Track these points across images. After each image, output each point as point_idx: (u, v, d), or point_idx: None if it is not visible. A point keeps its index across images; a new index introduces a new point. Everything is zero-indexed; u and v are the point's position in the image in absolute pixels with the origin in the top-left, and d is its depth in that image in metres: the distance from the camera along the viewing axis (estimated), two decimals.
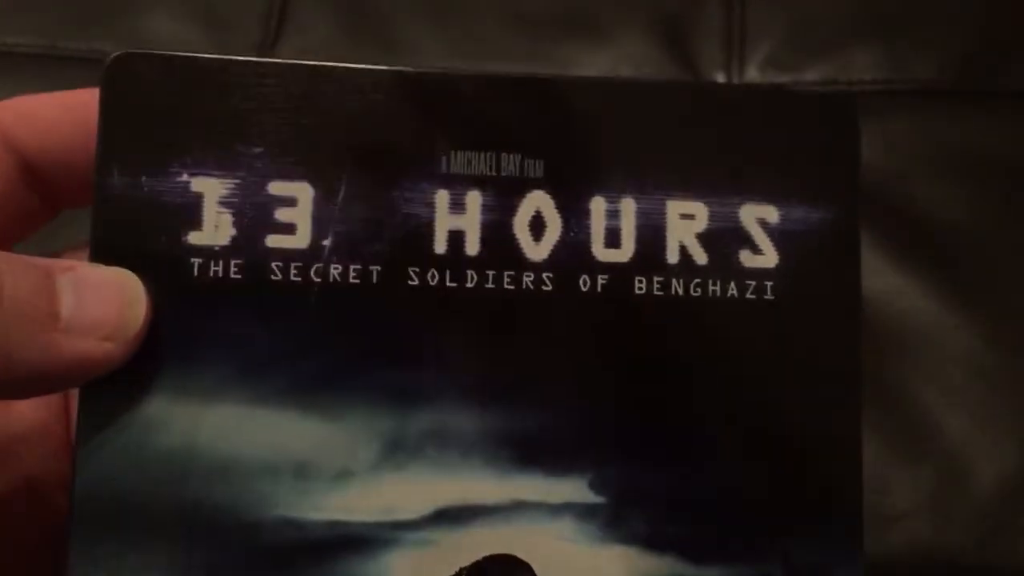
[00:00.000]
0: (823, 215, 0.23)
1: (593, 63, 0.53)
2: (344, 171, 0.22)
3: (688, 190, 0.22)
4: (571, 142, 0.22)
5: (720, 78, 0.54)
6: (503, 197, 0.22)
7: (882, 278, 0.48)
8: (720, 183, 0.22)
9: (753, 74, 0.55)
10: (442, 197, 0.22)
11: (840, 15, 0.54)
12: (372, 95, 0.22)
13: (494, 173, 0.22)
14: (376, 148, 0.22)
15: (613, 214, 0.22)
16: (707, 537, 0.22)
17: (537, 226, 0.22)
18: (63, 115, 0.22)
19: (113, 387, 0.21)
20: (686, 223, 0.22)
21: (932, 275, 0.48)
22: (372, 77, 0.22)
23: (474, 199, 0.22)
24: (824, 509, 0.22)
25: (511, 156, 0.22)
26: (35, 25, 0.49)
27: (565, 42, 0.54)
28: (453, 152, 0.22)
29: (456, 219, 0.22)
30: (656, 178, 0.22)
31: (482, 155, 0.22)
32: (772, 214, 0.23)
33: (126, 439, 0.21)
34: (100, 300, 0.20)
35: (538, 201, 0.22)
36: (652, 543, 0.22)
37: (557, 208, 0.22)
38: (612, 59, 0.53)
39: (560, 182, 0.22)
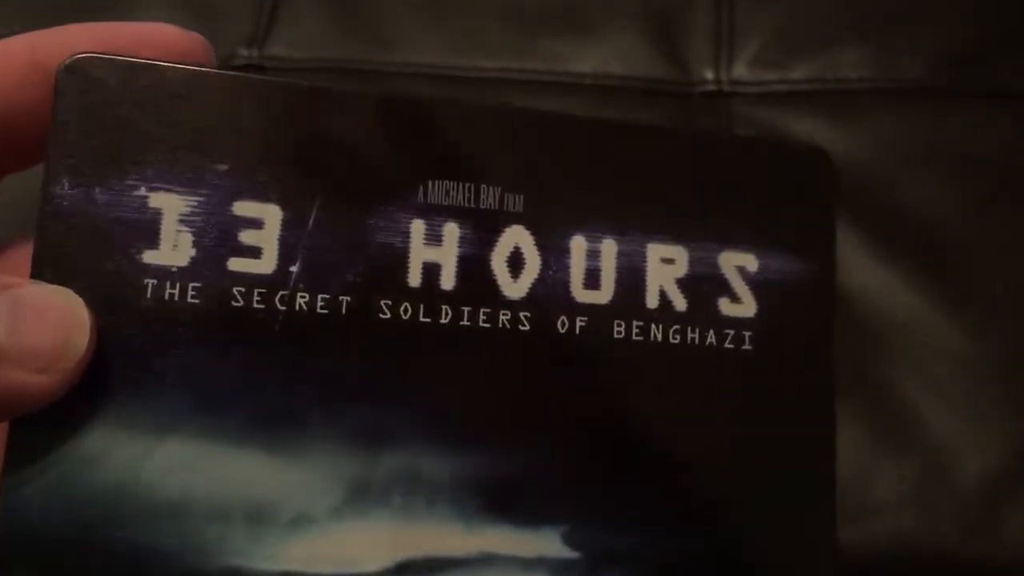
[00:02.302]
0: (802, 266, 0.22)
1: (583, 59, 0.54)
2: (317, 194, 0.20)
3: (669, 233, 0.22)
4: (553, 178, 0.21)
5: (709, 75, 0.54)
6: (481, 231, 0.21)
7: (867, 273, 0.49)
8: (700, 228, 0.22)
9: (741, 71, 0.55)
10: (418, 227, 0.21)
11: (828, 14, 0.55)
12: (350, 117, 0.21)
13: (472, 205, 0.21)
14: (352, 172, 0.21)
15: (593, 254, 0.21)
16: None
17: (515, 262, 0.21)
18: None
19: (47, 417, 0.19)
20: (666, 267, 0.22)
21: (917, 271, 0.49)
22: (350, 99, 0.21)
23: (451, 231, 0.21)
24: (801, 569, 0.21)
25: (491, 188, 0.21)
26: (23, 16, 0.46)
27: (556, 38, 0.54)
28: (431, 181, 0.21)
29: (432, 251, 0.21)
30: (637, 220, 0.22)
31: (461, 186, 0.21)
32: (751, 262, 0.22)
33: (57, 476, 0.19)
34: (38, 326, 0.18)
35: (517, 236, 0.21)
36: None
37: (536, 245, 0.21)
38: (602, 56, 0.54)
39: (540, 218, 0.21)
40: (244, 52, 0.53)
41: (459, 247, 0.21)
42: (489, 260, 0.21)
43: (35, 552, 0.18)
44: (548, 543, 0.20)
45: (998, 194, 0.51)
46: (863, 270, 0.49)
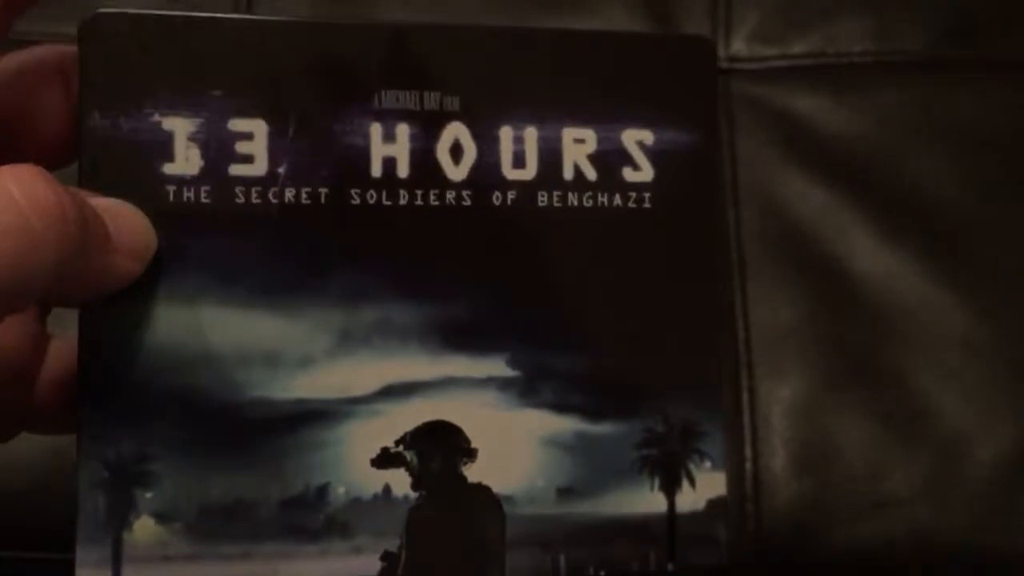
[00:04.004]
0: (689, 137, 0.28)
1: None
2: (293, 110, 0.26)
3: (579, 119, 0.27)
4: (483, 81, 0.27)
5: None
6: (427, 128, 0.26)
7: (873, 258, 0.48)
8: (605, 113, 0.27)
9: (739, 47, 0.54)
10: (376, 129, 0.26)
11: None
12: (315, 44, 0.26)
13: (418, 108, 0.26)
14: (320, 89, 0.26)
15: (519, 140, 0.27)
16: (601, 402, 0.27)
17: (456, 152, 0.27)
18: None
19: (119, 295, 0.25)
20: (579, 146, 0.27)
21: (923, 253, 0.48)
22: (315, 30, 0.26)
23: (403, 130, 0.26)
24: (693, 380, 0.28)
25: (432, 94, 0.26)
26: None
27: (547, 14, 0.53)
28: (384, 91, 0.26)
29: (388, 147, 0.26)
30: (553, 110, 0.27)
31: (408, 93, 0.26)
32: (648, 137, 0.28)
33: (127, 337, 0.25)
34: (129, 227, 0.24)
35: (456, 131, 0.27)
36: (558, 408, 0.27)
37: (472, 136, 0.27)
38: None
39: (474, 114, 0.27)
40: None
41: (410, 143, 0.26)
42: (435, 151, 0.26)
43: (114, 393, 0.25)
44: (495, 366, 0.27)
45: (1004, 170, 0.50)
46: (869, 254, 0.48)
